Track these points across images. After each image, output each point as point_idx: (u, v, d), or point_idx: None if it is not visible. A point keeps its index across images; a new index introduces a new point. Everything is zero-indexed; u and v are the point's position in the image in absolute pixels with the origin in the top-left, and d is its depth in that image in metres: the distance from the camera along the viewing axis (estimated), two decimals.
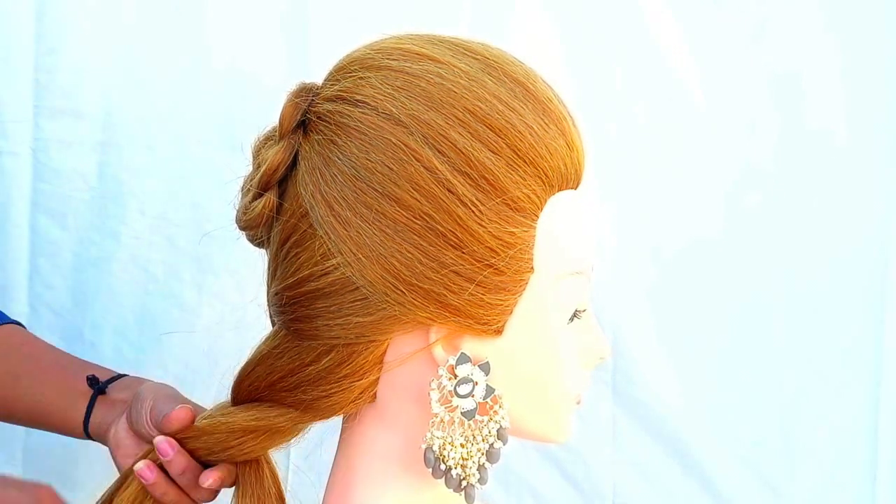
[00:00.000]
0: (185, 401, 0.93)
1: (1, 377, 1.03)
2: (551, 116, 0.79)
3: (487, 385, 0.79)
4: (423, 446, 0.79)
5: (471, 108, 0.77)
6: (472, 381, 0.78)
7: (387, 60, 0.80)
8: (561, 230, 0.80)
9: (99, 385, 1.00)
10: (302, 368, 0.81)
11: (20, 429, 1.26)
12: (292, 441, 0.85)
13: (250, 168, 0.84)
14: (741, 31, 1.31)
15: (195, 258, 1.27)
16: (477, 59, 0.80)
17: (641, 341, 1.32)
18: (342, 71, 0.82)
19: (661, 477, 1.34)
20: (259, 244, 0.86)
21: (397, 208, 0.77)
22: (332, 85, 0.81)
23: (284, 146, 0.81)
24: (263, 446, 0.85)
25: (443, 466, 0.79)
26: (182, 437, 0.87)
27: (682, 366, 1.33)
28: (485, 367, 0.79)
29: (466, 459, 0.79)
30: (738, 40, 1.31)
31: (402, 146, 0.77)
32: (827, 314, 1.33)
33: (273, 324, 0.84)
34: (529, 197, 0.78)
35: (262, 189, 0.82)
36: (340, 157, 0.78)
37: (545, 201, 0.79)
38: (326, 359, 0.80)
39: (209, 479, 0.86)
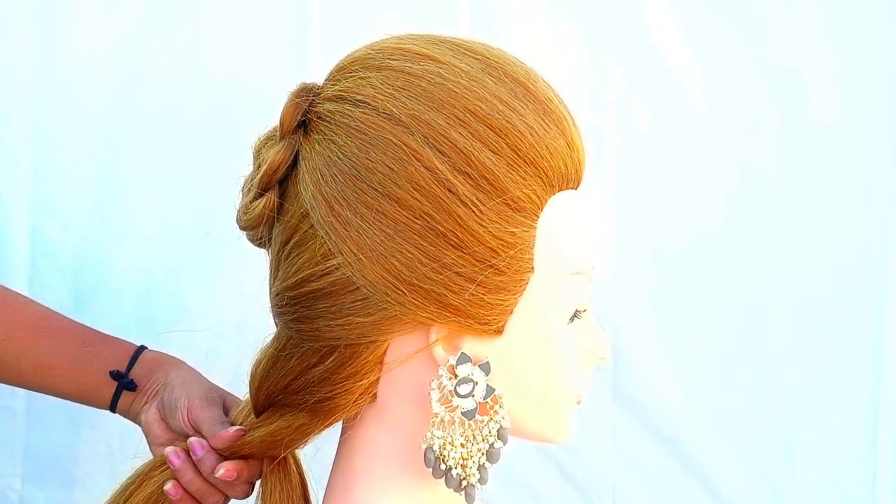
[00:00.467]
0: (216, 390, 0.97)
1: (27, 369, 1.04)
2: (552, 116, 0.79)
3: (488, 385, 0.79)
4: (424, 446, 0.79)
5: (471, 108, 0.77)
6: (472, 380, 0.78)
7: (387, 60, 0.80)
8: (561, 230, 0.80)
9: (124, 381, 1.02)
10: (308, 370, 0.81)
11: (20, 428, 1.26)
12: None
13: (251, 168, 0.85)
14: (741, 30, 1.31)
15: (195, 258, 1.27)
16: (477, 59, 0.80)
17: (641, 341, 1.32)
18: (343, 71, 0.82)
19: (661, 477, 1.34)
20: (260, 244, 0.86)
21: (398, 208, 0.77)
22: (332, 85, 0.82)
23: (285, 146, 0.81)
24: (288, 448, 0.86)
25: (443, 466, 0.79)
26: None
27: (682, 366, 1.33)
28: (485, 367, 0.79)
29: (466, 459, 0.79)
30: (739, 40, 1.31)
31: (403, 146, 0.77)
32: (827, 314, 1.33)
33: (276, 324, 0.85)
34: (530, 197, 0.78)
35: (263, 189, 0.82)
36: (341, 156, 0.78)
37: (545, 201, 0.79)
38: (330, 359, 0.80)
39: (222, 469, 0.88)
